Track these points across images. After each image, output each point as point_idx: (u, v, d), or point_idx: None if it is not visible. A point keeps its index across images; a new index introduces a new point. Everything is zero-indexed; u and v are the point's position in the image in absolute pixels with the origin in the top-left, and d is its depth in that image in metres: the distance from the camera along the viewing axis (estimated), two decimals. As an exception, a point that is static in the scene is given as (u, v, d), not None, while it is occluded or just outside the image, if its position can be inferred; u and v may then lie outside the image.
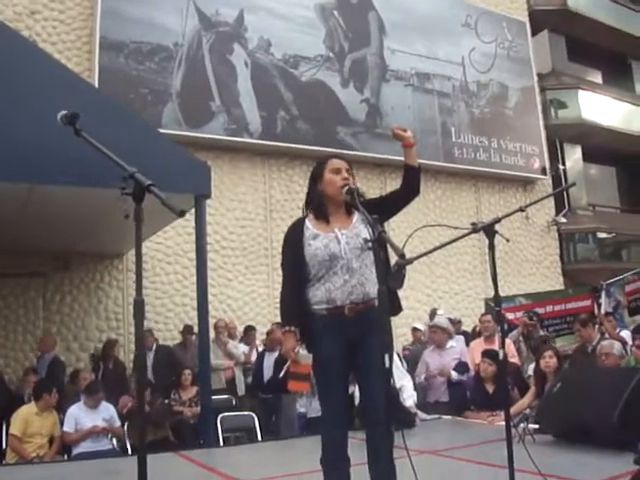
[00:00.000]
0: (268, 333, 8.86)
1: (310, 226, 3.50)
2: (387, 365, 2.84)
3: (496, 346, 7.43)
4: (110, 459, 6.17)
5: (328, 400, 3.46)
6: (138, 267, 2.33)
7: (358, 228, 3.40)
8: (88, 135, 2.50)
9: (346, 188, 3.34)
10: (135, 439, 6.74)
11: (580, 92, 18.15)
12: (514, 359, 7.49)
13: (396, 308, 3.44)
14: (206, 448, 6.42)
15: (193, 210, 6.83)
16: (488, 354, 6.92)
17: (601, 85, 20.11)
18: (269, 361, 8.27)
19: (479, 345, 7.85)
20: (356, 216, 3.45)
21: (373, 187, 11.99)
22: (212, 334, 8.69)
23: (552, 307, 10.17)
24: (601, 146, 18.59)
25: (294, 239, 3.51)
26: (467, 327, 10.72)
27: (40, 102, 5.56)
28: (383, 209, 3.42)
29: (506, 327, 8.37)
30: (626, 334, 7.89)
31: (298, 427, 7.28)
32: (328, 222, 3.47)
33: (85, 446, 6.72)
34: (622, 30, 19.32)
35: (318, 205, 3.53)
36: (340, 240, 3.38)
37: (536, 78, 16.45)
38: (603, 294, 10.73)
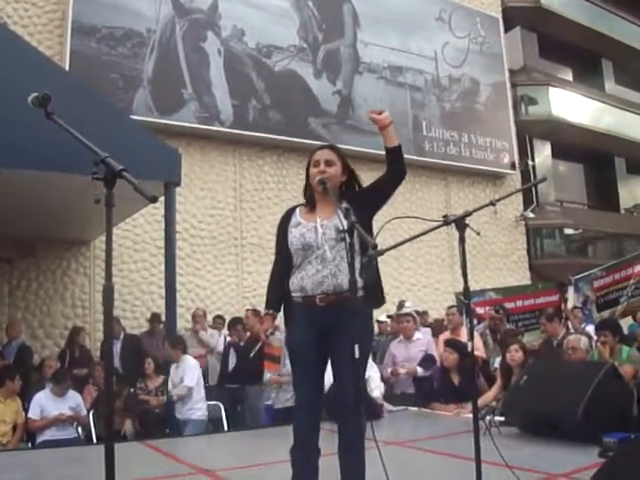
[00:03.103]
0: (230, 324, 8.84)
1: (298, 214, 3.55)
2: (357, 356, 2.85)
3: (462, 338, 7.55)
4: (75, 447, 6.15)
5: (299, 389, 3.47)
6: (108, 253, 2.29)
7: (337, 219, 3.40)
8: (59, 118, 2.46)
9: (317, 178, 3.36)
10: (101, 428, 6.71)
11: (551, 89, 18.28)
12: (478, 352, 7.53)
13: (379, 300, 3.46)
14: (172, 437, 6.39)
15: (162, 198, 6.78)
16: (450, 343, 7.00)
17: (571, 83, 20.28)
18: (232, 350, 8.29)
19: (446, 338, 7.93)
20: (344, 205, 3.45)
21: (344, 179, 11.89)
22: (181, 323, 8.67)
23: (522, 302, 10.25)
24: (570, 143, 18.77)
25: (282, 225, 3.57)
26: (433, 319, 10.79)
27: (9, 84, 5.49)
28: (375, 195, 3.47)
29: (475, 321, 8.43)
30: (591, 329, 7.99)
31: (266, 418, 7.28)
32: (315, 212, 3.51)
33: (50, 434, 6.68)
34: (594, 29, 19.49)
35: (307, 197, 3.58)
36: (318, 230, 3.40)
37: (507, 74, 16.56)
38: (571, 289, 10.83)
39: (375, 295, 3.40)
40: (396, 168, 3.44)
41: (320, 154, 3.51)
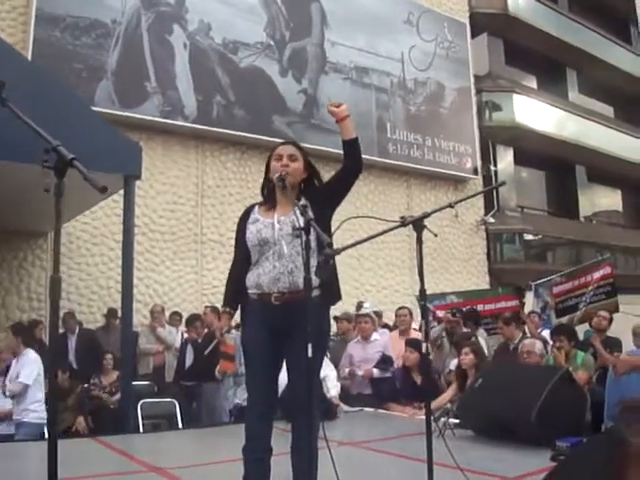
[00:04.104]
0: (188, 321, 8.77)
1: (256, 211, 3.55)
2: (309, 355, 2.83)
3: None
4: (24, 443, 6.02)
5: (252, 388, 3.45)
6: (56, 243, 2.25)
7: (294, 215, 3.38)
8: (15, 106, 2.41)
9: (276, 175, 3.35)
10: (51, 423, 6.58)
11: (515, 96, 18.42)
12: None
13: (335, 297, 3.46)
14: (125, 434, 6.30)
15: (122, 191, 6.71)
16: (411, 342, 7.05)
17: (536, 90, 20.47)
18: (189, 347, 8.22)
19: (395, 338, 7.97)
20: (301, 202, 3.43)
21: (307, 178, 11.84)
22: (138, 319, 8.59)
23: (483, 306, 10.27)
24: (532, 150, 18.92)
25: (240, 223, 3.56)
26: (390, 321, 10.78)
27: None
28: (333, 190, 3.49)
29: (436, 324, 8.46)
30: (547, 333, 8.06)
31: (232, 416, 7.25)
32: (274, 208, 3.49)
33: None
34: (559, 38, 19.69)
35: (267, 192, 3.57)
36: (275, 226, 3.39)
37: (473, 79, 16.65)
38: (530, 294, 10.94)
39: (331, 292, 3.39)
40: (353, 160, 3.47)
41: (283, 148, 3.51)
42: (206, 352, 7.38)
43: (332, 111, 3.42)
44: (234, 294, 3.53)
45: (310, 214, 2.96)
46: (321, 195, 3.41)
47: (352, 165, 3.47)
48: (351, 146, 3.44)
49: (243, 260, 3.48)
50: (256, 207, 3.59)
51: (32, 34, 10.44)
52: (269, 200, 3.54)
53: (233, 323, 4.00)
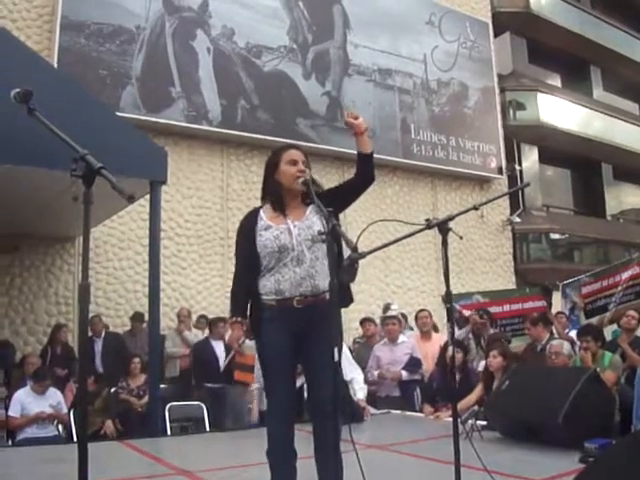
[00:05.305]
0: (211, 323, 8.79)
1: (264, 217, 3.47)
2: (336, 358, 2.83)
3: (431, 342, 7.80)
4: (55, 446, 6.09)
5: (273, 393, 3.43)
6: (85, 251, 2.27)
7: (311, 220, 3.37)
8: (42, 115, 2.44)
9: (301, 179, 3.33)
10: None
11: (539, 95, 18.35)
12: None
13: (347, 300, 3.41)
14: (153, 437, 6.35)
15: (148, 196, 6.76)
16: (455, 342, 7.05)
17: (560, 89, 20.36)
18: (219, 350, 8.24)
19: (417, 341, 7.96)
20: (310, 207, 3.43)
21: (332, 180, 11.90)
22: (165, 322, 8.64)
23: (509, 306, 10.18)
24: (557, 149, 18.83)
25: (247, 229, 3.48)
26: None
27: (-5, 79, 5.42)
28: (340, 198, 3.46)
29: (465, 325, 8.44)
30: (575, 334, 8.00)
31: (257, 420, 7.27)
32: (284, 213, 3.44)
33: (30, 432, 6.63)
34: (582, 35, 19.60)
35: (274, 196, 3.50)
36: (292, 232, 3.36)
37: (496, 79, 16.57)
38: (558, 294, 10.84)
39: (346, 295, 3.36)
40: (367, 173, 3.51)
41: (296, 154, 3.49)
42: (224, 363, 7.47)
43: (351, 123, 3.43)
44: (243, 303, 3.46)
45: (334, 219, 2.96)
46: (330, 200, 3.30)
47: (366, 175, 3.50)
48: (368, 160, 3.48)
49: (251, 268, 3.41)
50: (261, 212, 3.51)
51: (57, 41, 10.57)
52: (277, 205, 3.47)
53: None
